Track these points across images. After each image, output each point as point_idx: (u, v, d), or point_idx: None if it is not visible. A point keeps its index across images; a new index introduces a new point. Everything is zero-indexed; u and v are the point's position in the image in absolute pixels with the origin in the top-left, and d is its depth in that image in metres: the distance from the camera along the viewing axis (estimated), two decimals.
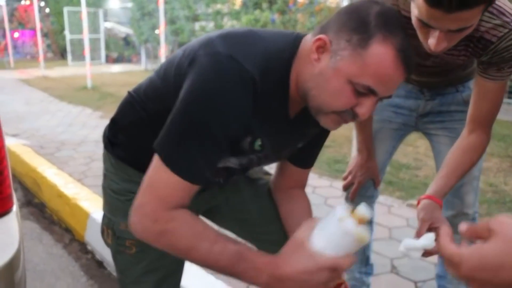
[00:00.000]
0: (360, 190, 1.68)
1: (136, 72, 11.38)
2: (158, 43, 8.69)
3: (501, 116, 1.79)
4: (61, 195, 2.97)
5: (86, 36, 8.68)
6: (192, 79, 0.86)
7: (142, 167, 0.93)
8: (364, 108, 0.88)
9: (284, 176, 1.24)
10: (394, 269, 2.28)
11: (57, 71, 11.75)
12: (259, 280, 0.84)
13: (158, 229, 0.86)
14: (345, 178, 1.70)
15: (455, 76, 1.47)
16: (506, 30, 1.09)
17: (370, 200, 1.73)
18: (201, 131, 0.85)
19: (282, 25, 7.96)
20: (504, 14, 1.09)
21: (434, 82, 1.50)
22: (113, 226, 1.13)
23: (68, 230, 2.81)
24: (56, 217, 2.97)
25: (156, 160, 0.87)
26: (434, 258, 1.69)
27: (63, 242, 2.68)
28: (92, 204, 2.74)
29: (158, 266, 1.14)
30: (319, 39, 0.87)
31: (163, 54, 7.54)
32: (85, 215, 2.65)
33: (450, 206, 1.54)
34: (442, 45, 1.01)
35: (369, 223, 1.80)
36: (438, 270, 1.67)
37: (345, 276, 1.90)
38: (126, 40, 15.43)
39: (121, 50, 15.40)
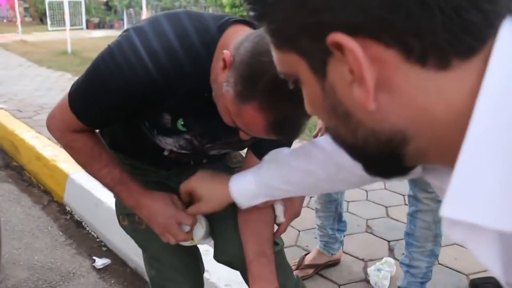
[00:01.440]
0: None
1: None
2: (141, 8, 8.49)
3: None
4: (39, 157, 2.95)
5: None
6: (106, 47, 0.91)
7: (123, 151, 1.12)
8: (242, 133, 0.89)
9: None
10: (368, 229, 2.34)
11: (36, 36, 11.46)
12: (129, 201, 1.06)
13: (62, 143, 1.03)
14: (314, 136, 1.72)
15: None
16: None
17: None
18: (94, 91, 0.92)
19: None
20: None
21: None
22: (125, 210, 1.18)
23: (47, 192, 2.80)
24: (35, 179, 2.96)
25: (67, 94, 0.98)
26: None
27: (42, 203, 2.68)
28: (71, 166, 2.72)
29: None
30: (226, 56, 0.81)
31: None
32: (64, 176, 2.64)
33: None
34: None
35: None
36: (407, 228, 1.72)
37: (318, 234, 1.95)
38: (108, 5, 15.07)
39: (102, 15, 15.04)
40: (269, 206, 1.15)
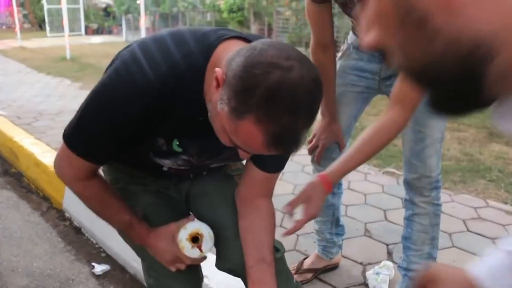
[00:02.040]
0: (325, 152, 1.71)
1: (116, 43, 11.15)
2: (139, 13, 8.51)
3: None
4: (38, 164, 2.95)
5: (64, 6, 8.47)
6: (102, 77, 0.94)
7: (122, 162, 1.16)
8: (241, 152, 0.89)
9: (248, 183, 1.15)
10: (367, 233, 2.34)
11: (35, 42, 11.48)
12: (136, 240, 1.17)
13: (74, 190, 1.07)
14: (310, 142, 1.73)
15: None
16: None
17: None
18: (93, 123, 0.94)
19: None
20: None
21: None
22: None
23: (45, 198, 2.81)
24: (34, 185, 2.96)
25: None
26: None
27: (41, 210, 2.68)
28: None
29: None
30: (218, 74, 0.81)
31: (144, 25, 7.41)
32: (63, 183, 2.64)
33: (413, 169, 1.58)
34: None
35: (338, 186, 1.84)
36: (404, 232, 1.73)
37: (316, 238, 1.95)
38: (106, 11, 15.10)
39: (101, 21, 15.07)
40: (270, 212, 1.17)
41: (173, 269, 1.14)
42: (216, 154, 1.06)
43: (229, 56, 0.83)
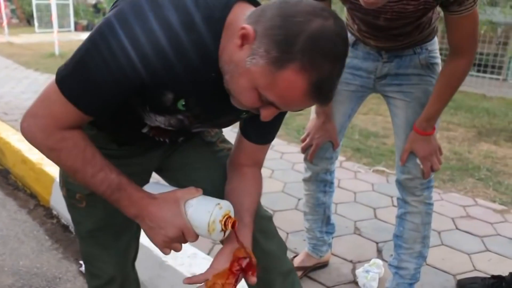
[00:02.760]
0: (319, 152, 1.70)
1: None
2: None
3: (469, 88, 1.84)
4: (25, 161, 2.91)
5: (53, 1, 8.36)
6: (113, 9, 0.84)
7: (93, 123, 0.95)
8: (265, 113, 0.87)
9: (238, 151, 1.16)
10: (357, 231, 2.34)
11: (23, 38, 11.33)
12: (129, 210, 0.94)
13: (49, 145, 0.89)
14: (303, 140, 1.72)
15: (411, 40, 1.48)
16: None
17: (329, 162, 1.76)
18: (91, 66, 0.83)
19: None
20: None
21: (391, 46, 1.52)
22: (64, 178, 1.14)
23: (33, 195, 2.77)
24: (21, 183, 2.92)
25: (53, 80, 0.87)
26: (395, 220, 1.74)
27: (28, 207, 2.64)
28: (57, 169, 2.68)
29: (110, 222, 1.15)
30: (246, 30, 0.79)
31: None
32: (51, 180, 2.61)
33: (406, 170, 1.58)
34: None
35: (330, 184, 1.84)
36: (395, 230, 1.73)
37: (306, 237, 1.94)
38: (97, 7, 14.97)
39: (91, 17, 14.93)
40: (255, 178, 1.15)
41: (167, 252, 0.96)
42: (214, 117, 1.02)
43: (251, 13, 0.83)
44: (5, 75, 6.24)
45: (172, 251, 0.97)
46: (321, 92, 0.79)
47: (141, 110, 0.96)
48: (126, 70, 0.81)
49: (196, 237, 0.95)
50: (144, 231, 0.97)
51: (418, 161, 1.53)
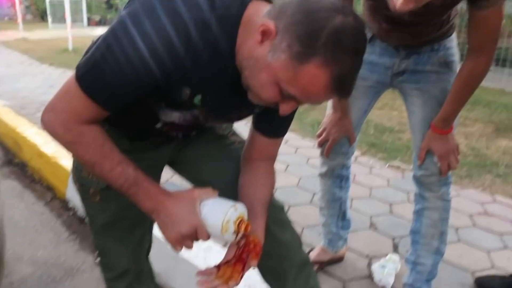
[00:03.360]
0: (335, 146, 1.69)
1: None
2: None
3: (486, 83, 1.82)
4: (41, 154, 2.94)
5: None
6: (127, 9, 0.85)
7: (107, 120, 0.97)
8: (285, 107, 0.88)
9: (250, 145, 1.16)
10: (372, 226, 2.33)
11: (37, 34, 11.43)
12: (146, 204, 0.95)
13: (68, 139, 0.91)
14: (319, 135, 1.72)
15: (430, 38, 1.46)
16: None
17: (346, 157, 1.75)
18: (107, 66, 0.84)
19: None
20: None
21: (410, 43, 1.50)
22: (77, 173, 1.15)
23: (49, 188, 2.80)
24: (38, 175, 2.95)
25: (73, 76, 0.89)
26: (411, 215, 1.73)
27: (45, 199, 2.67)
28: None
29: (124, 216, 1.16)
30: (267, 26, 0.81)
31: None
32: (66, 173, 2.63)
33: (424, 167, 1.57)
34: (409, 4, 1.03)
35: (346, 180, 1.83)
36: (413, 226, 1.71)
37: (321, 231, 1.94)
38: (109, 3, 15.03)
39: (103, 13, 15.01)
40: (268, 172, 1.16)
41: (179, 249, 0.95)
42: (229, 112, 1.03)
43: (270, 10, 0.85)
44: (21, 71, 6.31)
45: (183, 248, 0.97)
46: (343, 86, 0.82)
47: (157, 106, 0.97)
48: (141, 70, 0.83)
49: (208, 236, 0.95)
50: (158, 226, 0.97)
51: (435, 159, 1.52)
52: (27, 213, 2.49)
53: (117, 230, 1.20)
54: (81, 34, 10.74)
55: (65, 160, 2.75)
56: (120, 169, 0.92)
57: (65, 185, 2.64)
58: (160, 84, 0.86)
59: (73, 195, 2.55)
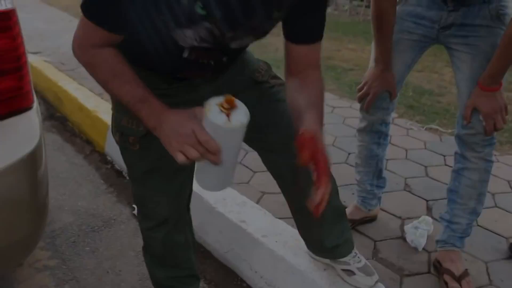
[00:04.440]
0: (376, 101, 1.65)
1: None
2: None
3: None
4: (81, 108, 3.02)
5: None
6: None
7: (129, 61, 1.00)
8: None
9: (289, 61, 1.12)
10: (407, 187, 2.30)
11: None
12: (149, 120, 0.97)
13: (84, 60, 1.00)
14: (360, 89, 1.67)
15: None
16: None
17: (386, 112, 1.71)
18: None
19: None
20: None
21: None
22: (117, 122, 1.17)
23: (88, 142, 2.88)
24: (77, 129, 3.04)
25: None
26: (446, 178, 1.69)
27: (84, 153, 2.76)
28: None
29: (164, 164, 1.15)
30: None
31: None
32: (105, 127, 2.70)
33: (469, 125, 1.51)
34: None
35: (384, 136, 1.80)
36: (450, 185, 1.67)
37: (356, 189, 1.93)
38: None
39: None
40: (317, 82, 1.12)
41: (181, 157, 0.91)
42: (239, 22, 0.97)
43: None
44: (62, 27, 6.40)
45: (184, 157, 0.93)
46: None
47: (169, 30, 0.95)
48: None
49: (206, 136, 0.89)
50: (162, 142, 0.95)
51: (481, 117, 1.46)
52: (68, 166, 2.59)
53: (157, 178, 1.21)
54: None
55: (104, 114, 2.82)
56: (128, 87, 0.98)
57: (103, 139, 2.71)
58: None
59: (111, 149, 2.62)
